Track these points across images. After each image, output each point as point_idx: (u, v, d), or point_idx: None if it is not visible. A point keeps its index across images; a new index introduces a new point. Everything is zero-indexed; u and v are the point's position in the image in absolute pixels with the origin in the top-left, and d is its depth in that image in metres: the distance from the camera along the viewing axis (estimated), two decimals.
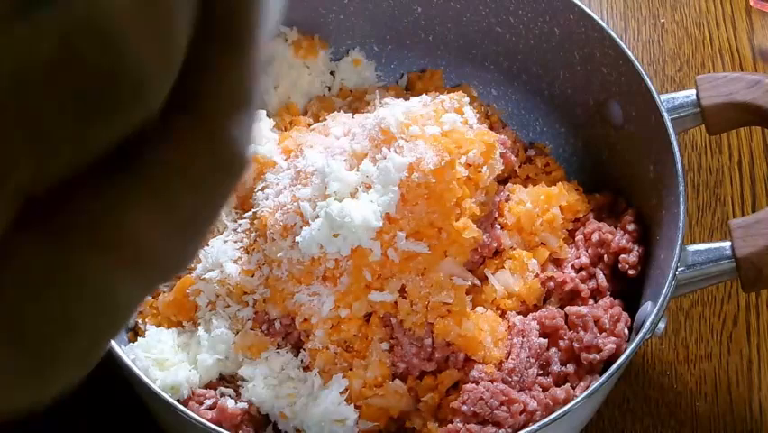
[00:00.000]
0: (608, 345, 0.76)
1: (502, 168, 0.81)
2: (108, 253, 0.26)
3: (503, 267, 0.81)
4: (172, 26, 0.24)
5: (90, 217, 0.25)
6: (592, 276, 0.82)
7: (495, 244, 0.81)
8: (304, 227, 0.74)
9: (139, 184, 0.26)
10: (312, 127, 0.87)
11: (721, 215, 0.99)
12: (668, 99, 0.80)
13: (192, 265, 0.81)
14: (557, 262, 0.83)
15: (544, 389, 0.76)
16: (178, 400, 0.73)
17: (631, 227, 0.82)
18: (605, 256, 0.82)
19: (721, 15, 1.12)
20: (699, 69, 1.09)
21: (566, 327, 0.78)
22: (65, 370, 0.26)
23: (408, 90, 0.97)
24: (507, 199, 0.85)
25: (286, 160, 0.82)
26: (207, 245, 0.80)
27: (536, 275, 0.81)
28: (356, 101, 0.94)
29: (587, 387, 0.74)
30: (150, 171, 0.26)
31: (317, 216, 0.74)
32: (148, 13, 0.22)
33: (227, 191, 0.29)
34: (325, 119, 0.87)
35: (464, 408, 0.73)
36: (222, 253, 0.79)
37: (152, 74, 0.23)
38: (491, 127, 0.88)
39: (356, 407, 0.75)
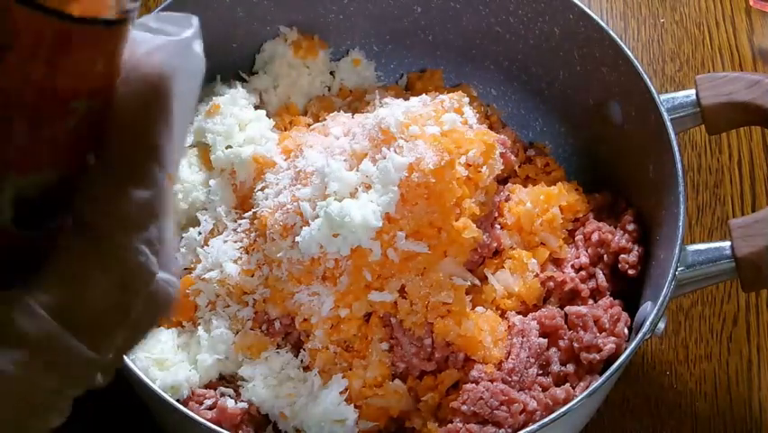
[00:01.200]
0: (608, 344, 0.76)
1: (502, 168, 0.81)
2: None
3: (503, 267, 0.81)
4: None
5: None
6: (592, 276, 0.82)
7: (495, 244, 0.81)
8: (304, 227, 0.74)
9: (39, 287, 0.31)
10: (312, 127, 0.87)
11: (721, 215, 0.99)
12: (668, 99, 0.80)
13: (192, 265, 0.81)
14: (557, 262, 0.83)
15: (544, 389, 0.76)
16: (177, 400, 0.73)
17: (631, 227, 0.82)
18: (605, 256, 0.82)
19: (721, 15, 1.12)
20: (698, 68, 1.09)
21: (566, 326, 0.78)
22: None
23: (408, 90, 0.97)
24: (507, 199, 0.85)
25: (286, 160, 0.82)
26: (207, 245, 0.81)
27: (536, 275, 0.81)
28: (356, 101, 0.94)
29: (587, 387, 0.74)
30: (48, 277, 0.31)
31: (317, 216, 0.74)
32: None
33: (132, 302, 0.32)
34: (325, 119, 0.87)
35: (464, 408, 0.73)
36: (222, 253, 0.79)
37: None
38: (491, 127, 0.88)
39: (356, 407, 0.75)
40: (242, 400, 0.76)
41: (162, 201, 0.33)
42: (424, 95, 0.84)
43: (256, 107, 0.89)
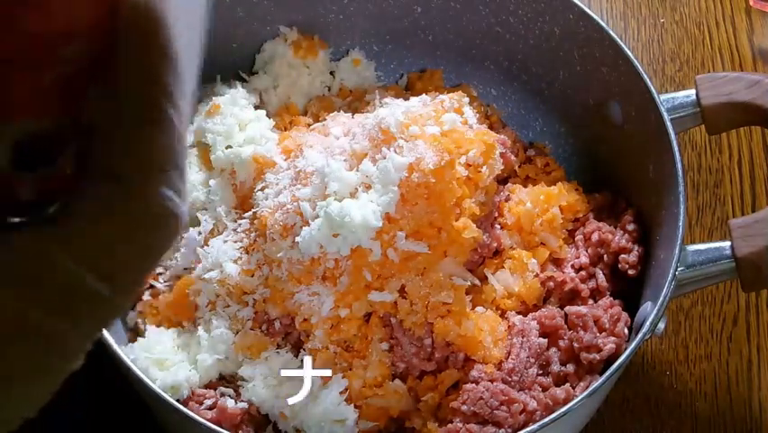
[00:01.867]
0: (608, 344, 0.76)
1: (502, 168, 0.81)
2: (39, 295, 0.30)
3: (503, 267, 0.81)
4: None
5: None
6: (592, 276, 0.82)
7: (495, 244, 0.81)
8: (304, 227, 0.74)
9: (67, 235, 0.31)
10: (312, 127, 0.87)
11: (721, 215, 0.99)
12: (668, 99, 0.80)
13: (192, 265, 0.81)
14: (557, 262, 0.83)
15: (544, 389, 0.76)
16: (177, 400, 0.73)
17: (631, 227, 0.82)
18: (605, 256, 0.82)
19: (721, 15, 1.12)
20: (698, 68, 1.09)
21: (566, 326, 0.78)
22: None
23: (408, 90, 0.97)
24: (507, 199, 0.85)
25: (286, 160, 0.82)
26: (207, 245, 0.81)
27: (536, 275, 0.81)
28: (356, 101, 0.94)
29: (587, 387, 0.74)
30: (76, 224, 0.31)
31: (317, 216, 0.74)
32: None
33: (157, 244, 0.32)
34: (325, 119, 0.87)
35: (464, 408, 0.73)
36: (222, 253, 0.79)
37: None
38: (491, 127, 0.88)
39: (356, 407, 0.75)
40: (242, 400, 0.76)
41: (180, 142, 0.33)
42: (424, 95, 0.84)
43: (256, 107, 0.89)
